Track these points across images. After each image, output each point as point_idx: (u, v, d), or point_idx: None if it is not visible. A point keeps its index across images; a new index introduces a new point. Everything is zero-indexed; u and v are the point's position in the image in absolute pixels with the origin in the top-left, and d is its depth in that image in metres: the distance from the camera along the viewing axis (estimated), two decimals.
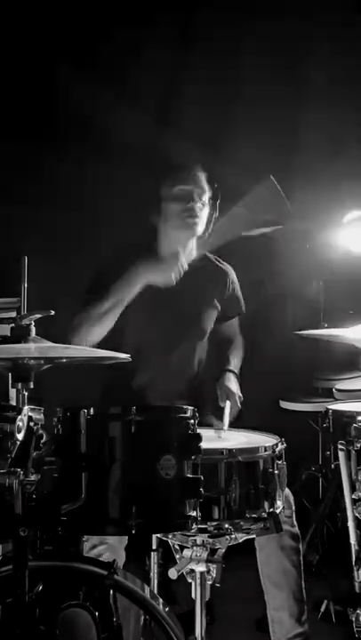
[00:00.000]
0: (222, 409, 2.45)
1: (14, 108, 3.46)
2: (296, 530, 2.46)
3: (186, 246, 2.64)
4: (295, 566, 2.43)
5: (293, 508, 2.46)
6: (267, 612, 2.46)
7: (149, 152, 3.49)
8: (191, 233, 2.61)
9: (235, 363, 2.74)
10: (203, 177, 2.63)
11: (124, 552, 2.25)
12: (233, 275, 2.81)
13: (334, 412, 2.33)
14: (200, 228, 2.62)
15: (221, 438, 2.25)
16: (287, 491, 2.37)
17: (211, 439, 2.18)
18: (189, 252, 2.67)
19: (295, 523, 2.46)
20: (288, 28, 3.74)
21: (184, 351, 2.64)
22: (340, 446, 2.18)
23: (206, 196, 2.62)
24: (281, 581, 2.42)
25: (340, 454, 2.19)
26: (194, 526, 1.74)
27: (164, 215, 2.61)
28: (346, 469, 2.18)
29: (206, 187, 2.62)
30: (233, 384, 2.61)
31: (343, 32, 3.76)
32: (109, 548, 2.15)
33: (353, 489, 2.21)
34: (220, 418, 2.44)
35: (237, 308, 2.84)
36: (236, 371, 2.70)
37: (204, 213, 2.61)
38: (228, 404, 2.46)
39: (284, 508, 2.24)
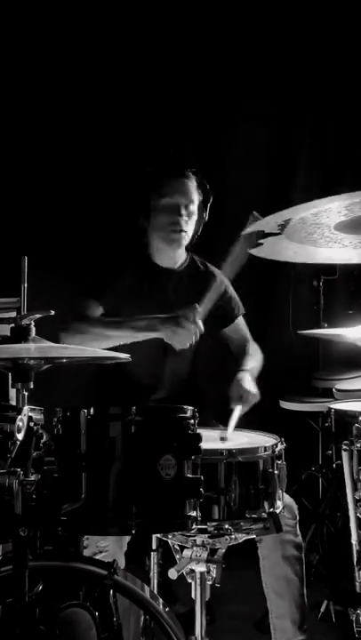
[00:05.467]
0: (226, 411, 2.41)
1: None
2: (299, 539, 2.46)
3: (175, 254, 2.65)
4: (298, 575, 2.43)
5: (298, 518, 2.45)
6: (269, 619, 2.47)
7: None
8: (177, 245, 2.61)
9: (251, 365, 2.68)
10: (192, 184, 2.60)
11: (123, 558, 2.26)
12: (221, 276, 2.77)
13: (337, 411, 2.32)
14: (186, 241, 2.62)
15: (224, 440, 2.24)
16: (291, 500, 2.38)
17: (211, 439, 2.17)
18: (178, 258, 2.68)
19: (299, 532, 2.46)
20: None
21: (178, 357, 2.63)
22: (343, 446, 2.17)
23: (195, 205, 2.60)
24: (283, 590, 2.42)
25: (344, 454, 2.18)
26: (194, 526, 1.74)
27: (152, 224, 2.61)
28: (349, 469, 2.18)
29: (195, 194, 2.60)
30: (247, 382, 2.53)
31: None
32: (108, 556, 2.14)
33: (355, 489, 2.20)
34: (220, 420, 2.42)
35: (235, 308, 2.82)
36: (249, 369, 2.63)
37: (191, 224, 2.61)
38: (238, 408, 2.39)
39: (286, 516, 2.24)
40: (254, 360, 2.74)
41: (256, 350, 2.82)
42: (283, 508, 2.01)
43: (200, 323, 2.41)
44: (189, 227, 2.61)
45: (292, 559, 2.42)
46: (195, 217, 2.62)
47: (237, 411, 2.38)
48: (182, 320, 2.39)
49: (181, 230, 2.57)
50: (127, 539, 2.25)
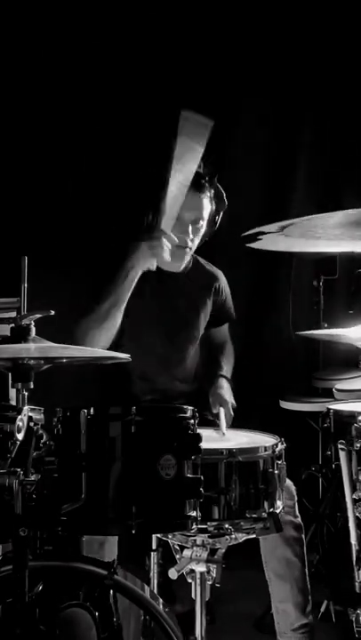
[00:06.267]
0: (216, 414, 2.44)
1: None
2: (299, 520, 2.45)
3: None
4: (298, 557, 2.43)
5: (296, 498, 2.45)
6: (271, 603, 2.46)
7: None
8: (180, 262, 2.58)
9: (227, 368, 2.72)
10: (205, 197, 2.55)
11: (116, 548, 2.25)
12: (223, 279, 2.80)
13: (335, 411, 2.33)
14: (189, 256, 2.61)
15: (223, 438, 2.25)
16: (289, 482, 2.38)
17: (211, 439, 2.18)
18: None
19: (298, 513, 2.45)
20: None
21: (178, 355, 2.64)
22: (340, 446, 2.17)
23: (204, 219, 2.57)
24: (284, 573, 2.41)
25: (341, 454, 2.18)
26: (194, 526, 1.74)
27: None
28: (347, 469, 2.18)
29: (207, 209, 2.56)
30: (226, 391, 2.57)
31: None
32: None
33: (354, 489, 2.20)
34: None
35: (229, 313, 2.83)
36: (228, 376, 2.68)
37: (196, 239, 2.58)
38: (221, 410, 2.43)
39: (285, 498, 2.24)
40: (230, 364, 2.78)
41: (231, 351, 2.85)
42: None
43: (172, 235, 2.39)
44: (195, 242, 2.59)
45: (292, 540, 2.42)
46: (202, 230, 2.59)
47: (222, 413, 2.40)
48: (152, 237, 2.38)
49: (185, 247, 2.55)
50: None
